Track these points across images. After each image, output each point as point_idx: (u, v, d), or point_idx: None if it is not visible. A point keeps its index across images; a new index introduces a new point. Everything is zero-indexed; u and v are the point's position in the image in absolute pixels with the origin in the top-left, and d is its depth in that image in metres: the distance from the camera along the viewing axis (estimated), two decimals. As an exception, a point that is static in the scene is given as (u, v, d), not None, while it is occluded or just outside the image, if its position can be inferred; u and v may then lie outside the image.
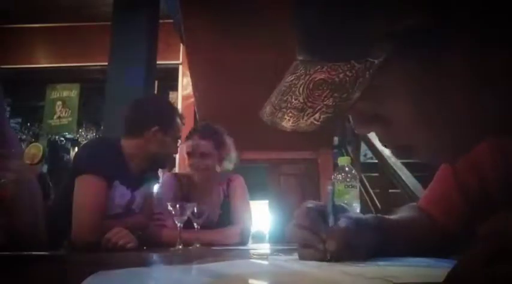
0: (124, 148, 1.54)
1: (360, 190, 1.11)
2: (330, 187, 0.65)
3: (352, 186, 1.03)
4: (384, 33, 0.38)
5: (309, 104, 0.41)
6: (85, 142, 1.44)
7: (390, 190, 3.33)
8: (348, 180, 1.03)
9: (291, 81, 0.44)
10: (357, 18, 0.39)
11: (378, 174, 3.72)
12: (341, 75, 0.40)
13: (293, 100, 0.43)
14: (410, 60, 0.39)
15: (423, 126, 0.43)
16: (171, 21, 3.56)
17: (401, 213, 0.76)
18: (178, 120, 1.67)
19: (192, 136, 1.82)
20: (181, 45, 4.20)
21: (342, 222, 0.58)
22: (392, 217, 0.73)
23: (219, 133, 1.86)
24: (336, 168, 1.10)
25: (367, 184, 3.83)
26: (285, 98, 0.44)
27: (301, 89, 0.42)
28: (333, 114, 0.40)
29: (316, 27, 0.42)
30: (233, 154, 1.89)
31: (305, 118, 0.41)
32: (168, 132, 1.60)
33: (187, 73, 3.58)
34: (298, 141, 3.20)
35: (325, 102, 0.40)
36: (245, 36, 2.30)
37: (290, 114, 0.42)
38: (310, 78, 0.42)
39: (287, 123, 0.42)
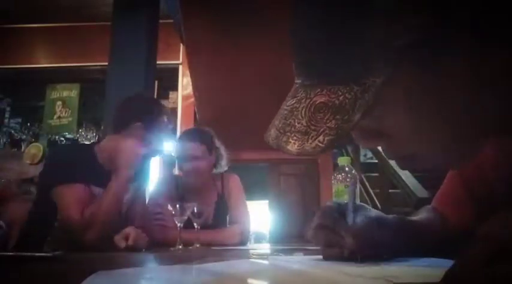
0: (100, 149, 1.54)
1: (360, 190, 1.11)
2: (350, 187, 0.65)
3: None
4: (383, 47, 0.38)
5: (312, 127, 0.41)
6: (52, 151, 1.42)
7: (390, 190, 3.33)
8: (348, 180, 1.03)
9: (293, 104, 0.45)
10: (353, 40, 0.39)
11: (378, 174, 3.72)
12: (341, 98, 0.40)
13: (296, 123, 0.43)
14: (410, 67, 0.39)
15: (425, 133, 0.43)
16: (171, 21, 3.56)
17: (420, 215, 0.77)
18: (163, 118, 1.65)
19: (182, 139, 1.83)
20: (181, 45, 4.20)
21: (361, 220, 0.59)
22: (413, 218, 0.75)
23: (208, 135, 1.85)
24: (336, 168, 1.10)
25: (367, 184, 3.83)
26: (288, 122, 0.44)
27: (303, 112, 0.43)
28: (336, 136, 0.40)
29: (312, 51, 0.43)
30: (224, 156, 1.89)
31: (310, 141, 0.41)
32: (151, 129, 1.58)
33: (187, 73, 3.58)
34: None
35: (327, 125, 0.40)
36: (245, 36, 2.30)
37: (295, 138, 0.42)
38: (311, 102, 0.42)
39: (292, 147, 0.42)
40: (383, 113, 0.42)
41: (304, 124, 0.42)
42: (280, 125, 0.45)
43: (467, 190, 0.72)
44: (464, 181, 0.72)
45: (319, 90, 0.42)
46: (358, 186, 1.07)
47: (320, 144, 0.40)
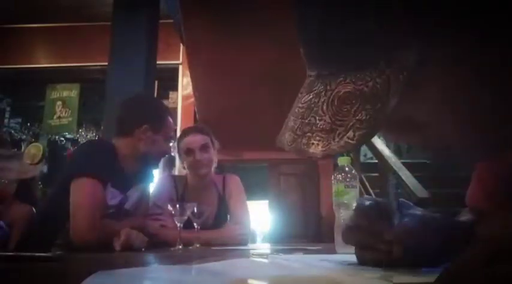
0: (117, 149, 1.54)
1: (360, 190, 1.10)
2: (392, 181, 0.58)
3: (352, 186, 1.03)
4: (415, 19, 0.33)
5: (338, 123, 0.36)
6: (79, 145, 1.42)
7: (390, 191, 3.33)
8: (348, 180, 1.03)
9: (310, 100, 0.39)
10: (378, 13, 0.34)
11: (378, 174, 3.72)
12: (370, 84, 0.34)
13: (317, 121, 0.37)
14: (448, 44, 0.34)
15: (463, 122, 0.37)
16: (171, 21, 3.56)
17: (464, 217, 0.70)
18: (170, 119, 1.66)
19: (188, 133, 1.83)
20: (181, 45, 4.19)
21: (408, 222, 0.51)
22: (463, 219, 0.67)
23: (209, 130, 1.88)
24: (336, 168, 1.11)
25: (367, 184, 3.83)
26: (306, 121, 0.38)
27: (324, 107, 0.37)
28: (369, 129, 0.34)
29: (329, 32, 0.37)
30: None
31: (336, 139, 0.36)
32: (159, 131, 1.58)
33: (187, 73, 3.58)
34: (298, 141, 3.20)
35: (357, 117, 0.35)
36: (245, 36, 2.30)
37: (317, 138, 0.37)
38: (333, 93, 0.37)
39: (316, 149, 0.37)
40: (418, 99, 0.36)
41: (328, 120, 0.36)
42: (296, 126, 0.39)
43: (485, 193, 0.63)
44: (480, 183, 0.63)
45: (341, 78, 0.36)
46: (358, 186, 1.07)
47: (350, 141, 0.35)
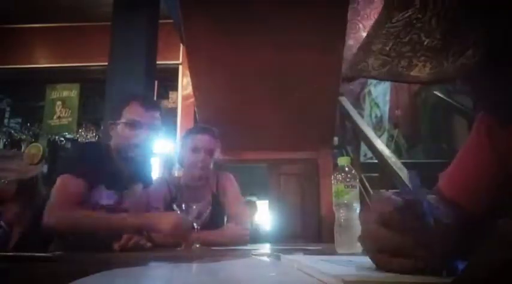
0: (111, 150, 1.54)
1: (360, 190, 1.10)
2: (412, 178, 0.47)
3: (352, 186, 1.03)
4: None
5: (454, 40, 0.29)
6: (70, 148, 1.43)
7: (390, 190, 3.33)
8: (348, 180, 1.03)
9: (409, 17, 0.32)
10: None
11: (377, 174, 3.71)
12: None
13: (423, 38, 0.31)
14: None
15: None
16: (171, 21, 3.56)
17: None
18: (131, 105, 1.54)
19: (200, 131, 1.82)
20: (181, 45, 4.19)
21: (446, 224, 0.41)
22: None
23: (216, 131, 1.87)
24: (336, 168, 1.10)
25: (367, 184, 3.82)
26: (405, 40, 0.32)
27: (433, 22, 0.30)
28: (494, 48, 0.28)
29: None
30: None
31: (451, 59, 0.29)
32: (118, 120, 1.53)
33: (187, 73, 3.58)
34: (298, 141, 3.20)
35: (479, 33, 0.28)
36: (246, 36, 2.30)
37: (423, 59, 0.31)
38: (447, 6, 0.30)
39: (421, 71, 0.31)
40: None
41: (439, 37, 0.30)
42: (389, 47, 0.32)
43: (500, 167, 0.50)
44: (497, 155, 0.51)
45: None
46: (358, 186, 1.07)
47: (469, 62, 0.28)
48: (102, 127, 4.08)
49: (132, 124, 1.50)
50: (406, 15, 0.32)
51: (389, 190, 0.47)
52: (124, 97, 1.64)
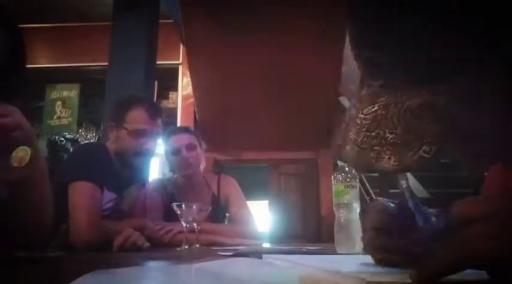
0: (109, 151, 1.52)
1: (360, 190, 1.10)
2: (403, 183, 0.50)
3: (352, 186, 1.03)
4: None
5: (411, 137, 0.34)
6: (73, 149, 1.40)
7: (390, 190, 3.33)
8: (348, 180, 1.03)
9: (375, 112, 0.36)
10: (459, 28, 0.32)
11: (377, 174, 3.71)
12: (446, 98, 0.33)
13: (387, 134, 0.35)
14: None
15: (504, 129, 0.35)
16: (171, 21, 3.56)
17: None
18: (136, 112, 1.51)
19: (174, 132, 1.81)
20: (181, 45, 4.19)
21: (438, 224, 0.45)
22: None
23: (194, 130, 1.89)
24: (336, 168, 1.10)
25: (367, 184, 3.82)
26: (373, 134, 0.36)
27: (395, 120, 0.35)
28: (446, 142, 0.33)
29: (410, 45, 0.34)
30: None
31: (410, 153, 0.34)
32: (121, 125, 1.49)
33: (187, 73, 3.58)
34: (298, 141, 3.20)
35: (432, 131, 0.33)
36: (246, 36, 2.30)
37: (388, 152, 0.35)
38: (405, 106, 0.35)
39: (387, 163, 0.35)
40: (482, 111, 0.34)
41: (399, 133, 0.34)
42: (360, 139, 0.37)
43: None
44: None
45: (414, 90, 0.34)
46: (358, 186, 1.07)
47: (426, 155, 0.33)
48: (102, 128, 4.08)
49: (137, 133, 1.47)
50: (372, 110, 0.36)
51: (384, 198, 0.55)
52: (126, 99, 1.59)
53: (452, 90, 0.33)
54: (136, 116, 1.49)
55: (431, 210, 0.51)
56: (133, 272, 0.58)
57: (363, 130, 0.37)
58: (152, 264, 0.85)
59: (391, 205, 0.51)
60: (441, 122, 0.33)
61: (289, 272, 0.53)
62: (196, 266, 0.67)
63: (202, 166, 1.84)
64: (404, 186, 0.50)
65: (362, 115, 0.38)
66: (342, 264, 0.58)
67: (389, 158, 0.35)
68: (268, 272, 0.57)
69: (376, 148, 0.36)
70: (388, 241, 0.47)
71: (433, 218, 0.46)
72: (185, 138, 1.77)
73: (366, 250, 0.51)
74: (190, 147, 1.75)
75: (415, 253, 0.44)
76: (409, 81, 0.35)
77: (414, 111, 0.34)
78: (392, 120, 0.35)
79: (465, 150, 0.39)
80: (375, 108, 0.37)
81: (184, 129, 1.86)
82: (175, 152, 1.75)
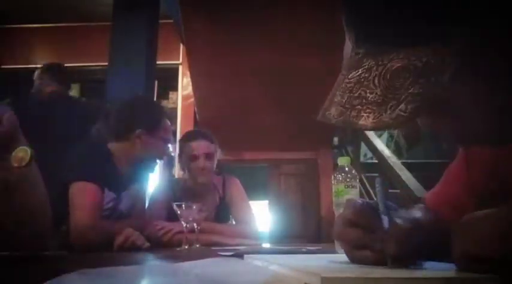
0: (112, 152, 1.53)
1: (360, 190, 1.10)
2: (377, 185, 0.55)
3: (352, 186, 1.03)
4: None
5: (390, 96, 0.37)
6: (76, 149, 1.40)
7: (390, 190, 3.33)
8: (348, 180, 1.03)
9: (359, 75, 0.40)
10: None
11: (377, 174, 3.71)
12: (424, 60, 0.35)
13: (368, 94, 0.38)
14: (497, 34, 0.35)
15: (496, 110, 0.39)
16: (171, 21, 3.56)
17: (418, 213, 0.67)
18: (166, 122, 1.63)
19: (194, 138, 1.81)
20: (181, 45, 4.19)
21: (402, 222, 0.48)
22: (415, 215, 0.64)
23: (214, 138, 1.86)
24: (336, 168, 1.10)
25: (367, 184, 3.82)
26: (355, 94, 0.39)
27: (376, 81, 0.38)
28: (422, 102, 0.35)
29: (385, 10, 0.38)
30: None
31: (388, 112, 0.37)
32: (154, 134, 1.56)
33: (187, 73, 3.58)
34: (298, 141, 3.20)
35: (410, 91, 0.36)
36: (246, 36, 2.30)
37: (368, 111, 0.38)
38: (386, 68, 0.38)
39: (366, 121, 0.38)
40: (462, 84, 0.37)
41: (379, 93, 0.37)
42: (344, 100, 0.40)
43: (470, 190, 0.63)
44: (470, 181, 0.63)
45: (394, 54, 0.37)
46: (358, 186, 1.07)
47: (402, 114, 0.36)
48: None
49: (166, 141, 1.63)
50: (357, 74, 0.40)
51: (359, 197, 0.62)
52: (157, 108, 1.70)
53: (432, 53, 0.35)
54: (167, 125, 1.63)
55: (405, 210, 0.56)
56: (130, 272, 0.58)
57: (347, 92, 0.41)
58: (153, 263, 0.85)
59: (364, 204, 0.55)
60: (419, 85, 0.35)
61: (261, 271, 0.54)
62: (176, 266, 0.68)
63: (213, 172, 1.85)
64: (377, 189, 0.54)
65: (347, 80, 0.41)
66: (315, 262, 0.61)
67: (368, 116, 0.38)
68: (243, 271, 0.58)
69: (357, 107, 0.39)
70: (355, 235, 0.51)
71: (398, 220, 0.49)
72: (204, 147, 1.77)
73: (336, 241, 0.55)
74: (209, 157, 1.76)
75: (375, 250, 0.47)
76: (389, 43, 0.38)
77: (393, 73, 0.37)
78: (373, 81, 0.38)
79: (444, 122, 0.42)
80: (359, 72, 0.40)
81: (205, 136, 1.82)
82: (193, 159, 1.76)
